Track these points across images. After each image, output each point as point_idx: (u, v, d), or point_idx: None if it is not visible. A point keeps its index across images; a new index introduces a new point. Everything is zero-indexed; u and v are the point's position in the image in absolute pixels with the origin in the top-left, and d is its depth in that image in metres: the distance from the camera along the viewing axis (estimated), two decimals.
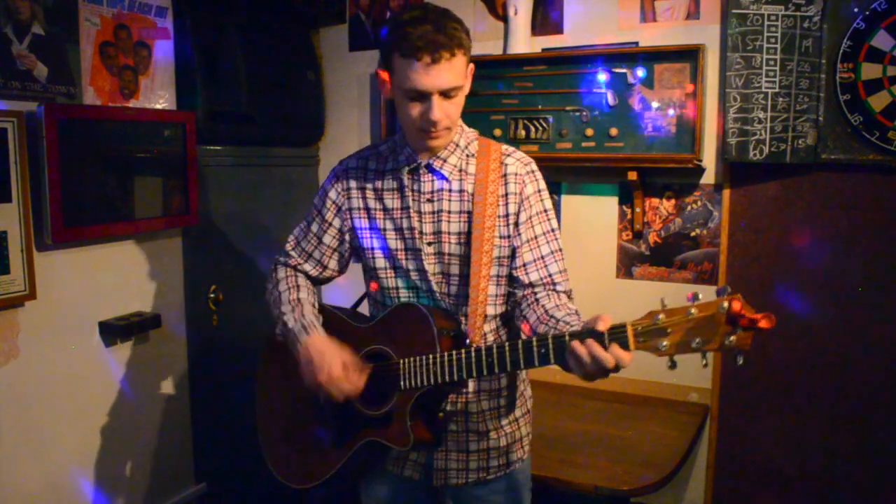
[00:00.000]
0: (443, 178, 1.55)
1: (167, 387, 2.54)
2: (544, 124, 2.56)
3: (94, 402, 2.29)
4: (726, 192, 2.41)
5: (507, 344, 1.35)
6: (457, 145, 1.56)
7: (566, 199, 2.68)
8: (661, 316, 1.18)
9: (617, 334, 1.20)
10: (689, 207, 2.50)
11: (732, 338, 1.14)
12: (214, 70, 2.55)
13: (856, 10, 2.13)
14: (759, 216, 2.38)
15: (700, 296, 1.17)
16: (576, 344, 1.22)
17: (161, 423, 2.51)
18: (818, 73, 2.19)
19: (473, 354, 1.39)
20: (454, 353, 1.41)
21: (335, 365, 1.47)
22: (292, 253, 1.70)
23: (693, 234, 2.50)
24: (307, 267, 1.69)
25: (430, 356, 1.43)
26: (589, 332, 1.22)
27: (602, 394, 2.56)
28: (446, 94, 1.42)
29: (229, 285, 2.64)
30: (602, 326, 1.21)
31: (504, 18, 2.62)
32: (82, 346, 2.23)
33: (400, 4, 2.90)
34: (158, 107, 2.43)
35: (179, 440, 2.60)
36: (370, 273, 1.64)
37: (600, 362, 1.20)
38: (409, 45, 1.37)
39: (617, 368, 1.21)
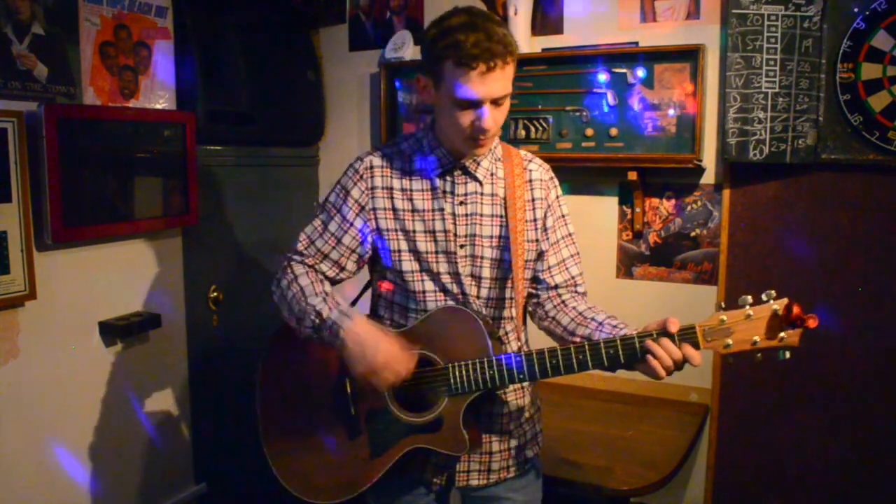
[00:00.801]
0: (476, 180, 1.55)
1: (167, 387, 2.54)
2: (544, 124, 2.56)
3: (94, 402, 2.29)
4: (726, 192, 2.41)
5: (572, 347, 1.40)
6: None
7: (566, 199, 2.67)
8: (725, 317, 1.32)
9: (687, 335, 1.33)
10: (689, 207, 2.50)
11: (783, 335, 1.30)
12: (214, 70, 2.54)
13: (856, 10, 2.13)
14: (759, 216, 2.38)
15: (749, 298, 1.31)
16: (650, 343, 1.33)
17: (161, 423, 2.51)
18: (818, 73, 2.19)
19: (535, 357, 1.41)
20: (513, 356, 1.42)
21: (391, 348, 1.42)
22: (306, 252, 1.60)
23: (693, 234, 2.50)
24: (323, 267, 1.59)
25: (486, 360, 1.43)
26: (662, 333, 1.33)
27: (602, 394, 2.57)
28: (496, 101, 1.41)
29: (229, 285, 2.64)
30: (673, 328, 1.33)
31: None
32: (82, 346, 2.23)
33: (400, 4, 2.90)
34: (158, 107, 2.43)
35: (179, 440, 2.60)
36: (393, 276, 1.58)
37: (675, 360, 1.32)
38: (463, 54, 1.34)
39: (681, 366, 1.33)
